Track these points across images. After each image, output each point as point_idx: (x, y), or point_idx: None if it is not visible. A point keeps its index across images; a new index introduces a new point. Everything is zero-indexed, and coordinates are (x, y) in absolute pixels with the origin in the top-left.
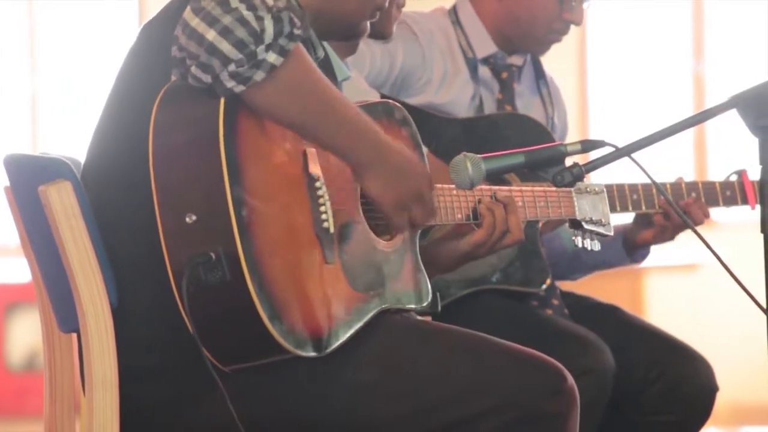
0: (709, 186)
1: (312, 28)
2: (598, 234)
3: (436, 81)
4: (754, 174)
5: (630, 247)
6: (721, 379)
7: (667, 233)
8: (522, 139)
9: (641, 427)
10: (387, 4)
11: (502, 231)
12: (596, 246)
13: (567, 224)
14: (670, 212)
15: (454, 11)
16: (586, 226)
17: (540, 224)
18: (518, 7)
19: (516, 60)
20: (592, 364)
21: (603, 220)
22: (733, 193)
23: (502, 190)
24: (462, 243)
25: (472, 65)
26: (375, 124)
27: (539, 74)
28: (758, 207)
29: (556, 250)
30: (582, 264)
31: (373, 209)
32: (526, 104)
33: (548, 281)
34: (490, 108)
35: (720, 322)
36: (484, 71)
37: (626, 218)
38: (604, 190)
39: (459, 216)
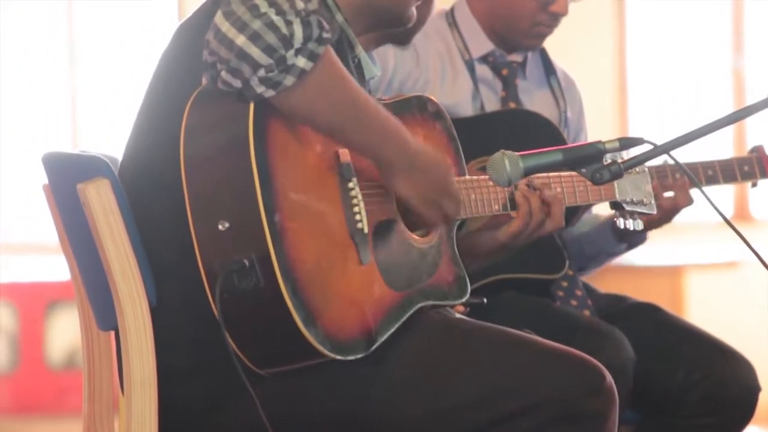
0: (726, 163)
1: (359, 21)
2: (640, 213)
3: (436, 81)
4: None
5: (619, 235)
6: (763, 378)
7: (658, 218)
8: (526, 134)
9: (681, 429)
10: None
11: (539, 219)
12: (639, 225)
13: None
14: (658, 194)
15: (451, 13)
16: (627, 207)
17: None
18: (498, 3)
19: (516, 57)
20: (612, 358)
21: (645, 200)
22: (751, 168)
23: (539, 177)
24: (500, 234)
25: (470, 66)
26: (401, 124)
27: (549, 69)
28: None
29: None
30: (584, 255)
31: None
32: (533, 100)
33: (567, 268)
34: (493, 106)
35: (762, 320)
36: (483, 70)
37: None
38: (646, 169)
39: (496, 207)
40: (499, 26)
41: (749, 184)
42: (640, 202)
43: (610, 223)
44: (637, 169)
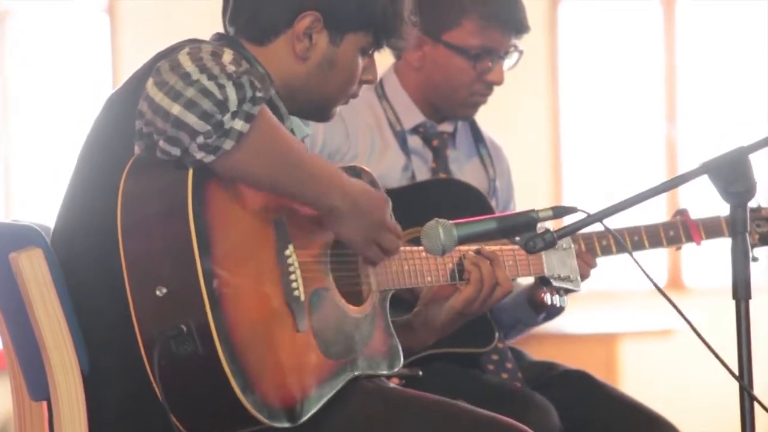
0: (652, 228)
1: (285, 103)
2: (566, 290)
3: (364, 154)
4: (695, 213)
5: (534, 306)
6: None
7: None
8: (454, 203)
9: None
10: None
11: (491, 285)
12: (564, 302)
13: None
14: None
15: (380, 85)
16: (554, 283)
17: None
18: (435, 73)
19: (446, 127)
20: (538, 427)
21: (571, 276)
22: (676, 233)
23: (483, 249)
24: (453, 301)
25: (401, 137)
26: (338, 169)
27: (477, 137)
28: (729, 265)
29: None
30: (502, 324)
31: (342, 273)
32: (463, 169)
33: (496, 341)
34: (424, 177)
35: (694, 389)
36: (414, 141)
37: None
38: (572, 245)
39: (429, 278)
40: (435, 97)
41: (689, 246)
42: (567, 278)
43: (526, 294)
44: (564, 245)
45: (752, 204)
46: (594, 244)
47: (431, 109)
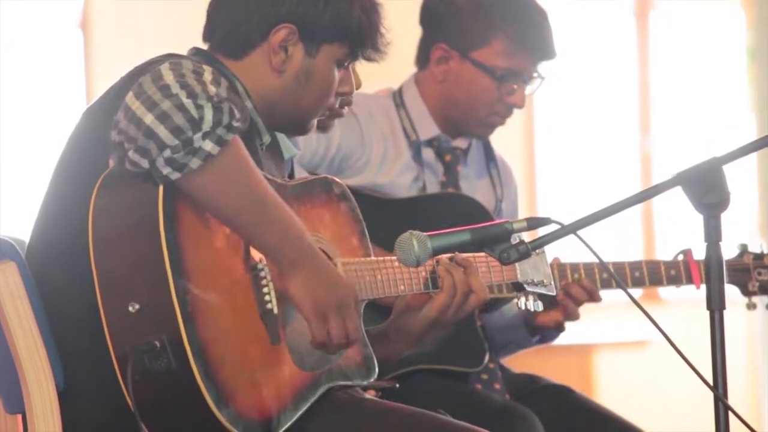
0: (653, 265)
1: (263, 119)
2: (540, 295)
3: (376, 161)
4: (700, 253)
5: (531, 329)
6: None
7: (573, 311)
8: (457, 219)
9: None
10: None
11: (465, 292)
12: (539, 307)
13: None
14: (569, 290)
15: (399, 93)
16: (528, 288)
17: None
18: (458, 90)
19: (461, 143)
20: None
21: (545, 281)
22: (677, 272)
23: (457, 256)
24: (427, 309)
25: (416, 147)
26: (306, 231)
27: (489, 156)
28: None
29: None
30: (495, 343)
31: None
32: (472, 187)
33: (487, 362)
34: (433, 190)
35: (669, 399)
36: (427, 153)
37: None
38: (545, 250)
39: (402, 287)
40: (453, 112)
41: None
42: (541, 283)
43: (523, 315)
44: (537, 251)
45: (756, 250)
46: (595, 276)
47: (448, 123)
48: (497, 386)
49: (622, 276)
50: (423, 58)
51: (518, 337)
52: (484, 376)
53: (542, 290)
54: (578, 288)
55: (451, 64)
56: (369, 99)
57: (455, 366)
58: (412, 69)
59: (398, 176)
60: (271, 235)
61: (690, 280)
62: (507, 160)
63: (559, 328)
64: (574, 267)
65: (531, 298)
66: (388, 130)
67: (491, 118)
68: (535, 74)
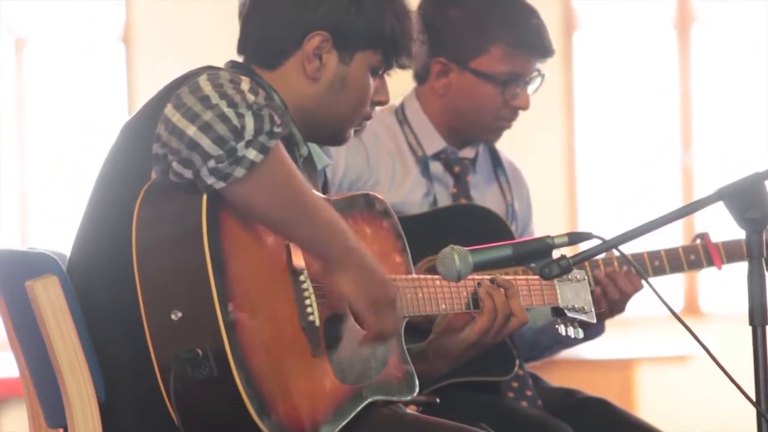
0: (673, 252)
1: (299, 129)
2: (580, 321)
3: (385, 181)
4: (717, 237)
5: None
6: None
7: (609, 309)
8: (474, 229)
9: None
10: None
11: (505, 315)
12: (579, 333)
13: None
14: (606, 287)
15: (401, 109)
16: (568, 314)
17: None
18: (461, 101)
19: (468, 153)
20: None
21: (585, 308)
22: (697, 257)
23: (498, 278)
24: (467, 331)
25: (423, 163)
26: (349, 228)
27: (496, 162)
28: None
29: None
30: (539, 345)
31: None
32: (483, 195)
33: (517, 369)
34: (445, 202)
35: (711, 414)
36: (436, 167)
37: None
38: (586, 277)
39: (443, 306)
40: (459, 123)
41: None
42: (581, 310)
43: None
44: (578, 277)
45: None
46: (613, 265)
47: (453, 135)
48: (529, 393)
49: (642, 266)
50: (422, 72)
51: (562, 335)
52: (515, 384)
53: (582, 317)
54: (624, 278)
55: (451, 77)
56: (373, 119)
57: (487, 376)
58: (411, 84)
59: (409, 194)
60: (319, 237)
61: (711, 263)
62: (516, 163)
63: (603, 318)
64: (607, 262)
65: (571, 324)
66: (394, 148)
67: (498, 123)
68: (535, 74)
